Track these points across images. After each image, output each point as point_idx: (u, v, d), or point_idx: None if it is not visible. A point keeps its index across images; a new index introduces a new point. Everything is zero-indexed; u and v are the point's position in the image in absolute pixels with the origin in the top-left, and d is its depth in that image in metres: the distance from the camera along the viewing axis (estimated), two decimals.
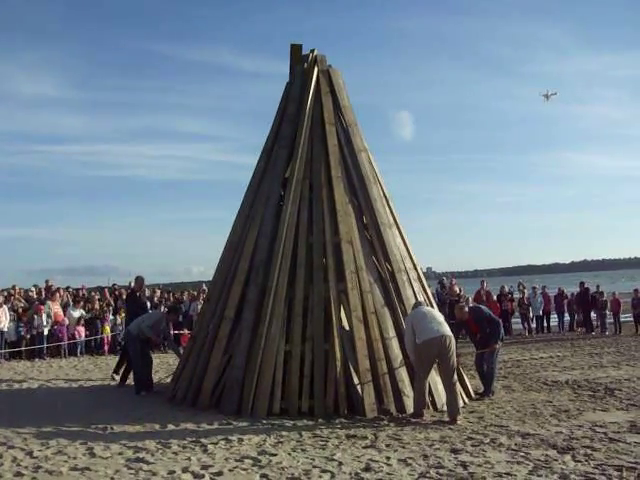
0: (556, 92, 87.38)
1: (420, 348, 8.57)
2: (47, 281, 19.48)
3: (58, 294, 18.41)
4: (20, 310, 16.96)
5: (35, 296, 18.16)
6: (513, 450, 6.90)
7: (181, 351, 11.68)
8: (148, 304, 14.08)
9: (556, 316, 23.41)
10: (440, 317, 8.90)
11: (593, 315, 22.90)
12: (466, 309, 10.75)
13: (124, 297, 17.45)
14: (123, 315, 18.64)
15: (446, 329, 8.66)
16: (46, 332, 16.81)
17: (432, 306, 9.97)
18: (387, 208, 10.25)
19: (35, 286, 19.17)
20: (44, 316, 16.85)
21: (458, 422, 8.25)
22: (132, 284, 14.62)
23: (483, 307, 11.35)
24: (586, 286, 23.13)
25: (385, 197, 10.34)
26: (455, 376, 8.69)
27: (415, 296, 9.72)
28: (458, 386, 8.91)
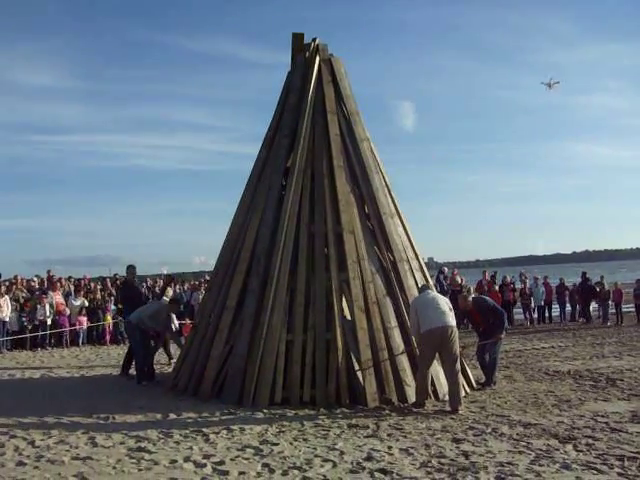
0: (558, 81, 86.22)
1: (423, 337, 8.57)
2: (49, 271, 19.50)
3: (59, 284, 18.44)
4: (22, 300, 16.99)
5: (37, 286, 18.18)
6: (515, 440, 6.90)
7: (182, 341, 11.68)
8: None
9: (557, 306, 23.41)
10: (444, 305, 8.78)
11: (594, 305, 22.93)
12: (470, 299, 10.69)
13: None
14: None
15: (449, 319, 8.62)
16: (49, 322, 16.84)
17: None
18: (389, 198, 10.23)
19: (37, 276, 19.20)
20: (47, 306, 16.89)
21: (460, 412, 8.25)
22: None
23: (487, 297, 11.34)
24: (587, 276, 23.13)
25: (387, 187, 10.31)
26: (458, 366, 8.68)
27: (417, 286, 9.69)
28: (460, 376, 8.90)
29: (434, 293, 9.29)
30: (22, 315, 16.65)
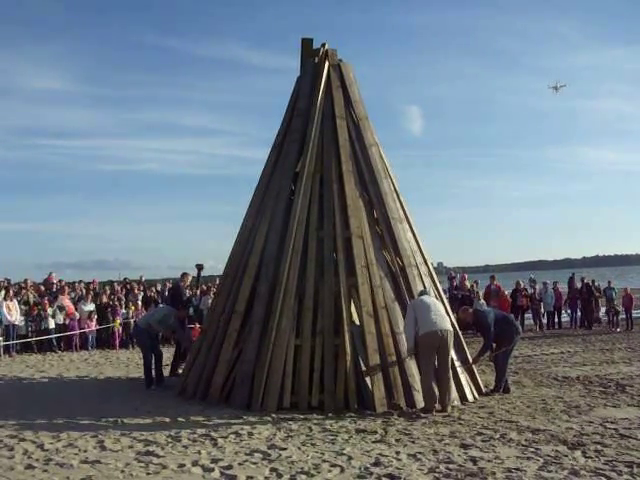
0: (565, 84, 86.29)
1: (420, 340, 8.62)
2: (50, 274, 19.60)
3: (68, 288, 18.52)
4: (32, 304, 17.05)
5: (46, 290, 18.26)
6: (523, 446, 6.88)
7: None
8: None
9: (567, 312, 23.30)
10: (442, 310, 8.96)
11: (602, 310, 22.84)
12: (470, 311, 10.66)
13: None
14: (133, 308, 18.77)
15: (446, 323, 8.76)
16: (53, 325, 16.86)
17: (441, 299, 9.93)
18: (398, 202, 10.23)
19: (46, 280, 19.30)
20: (56, 310, 16.95)
21: (447, 412, 8.41)
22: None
23: (491, 313, 10.37)
24: (586, 281, 23.10)
25: (396, 191, 10.31)
26: (449, 369, 8.78)
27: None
28: (451, 378, 8.88)
29: (433, 298, 9.34)
30: (31, 319, 16.71)
